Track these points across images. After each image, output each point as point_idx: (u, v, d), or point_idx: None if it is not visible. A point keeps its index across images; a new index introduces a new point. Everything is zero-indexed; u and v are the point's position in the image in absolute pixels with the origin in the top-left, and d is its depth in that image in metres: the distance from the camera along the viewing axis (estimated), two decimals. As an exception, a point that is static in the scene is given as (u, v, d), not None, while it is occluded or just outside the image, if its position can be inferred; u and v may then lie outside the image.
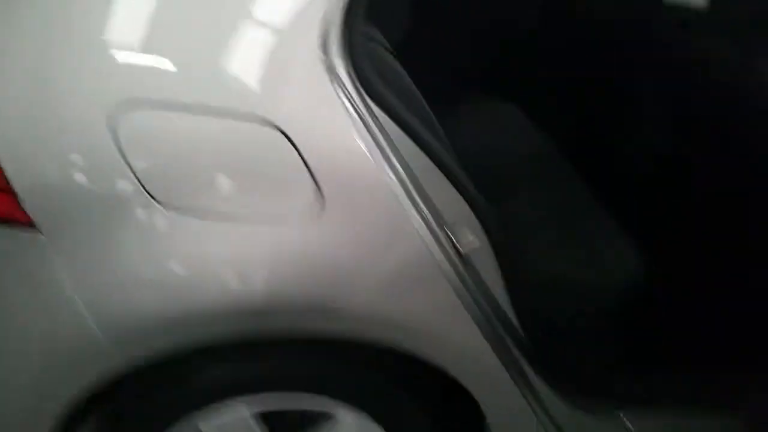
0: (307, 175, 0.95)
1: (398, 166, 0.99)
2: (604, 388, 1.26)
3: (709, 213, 1.40)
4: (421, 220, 1.00)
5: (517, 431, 1.21)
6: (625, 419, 1.24)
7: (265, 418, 1.16)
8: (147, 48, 0.95)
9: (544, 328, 1.16)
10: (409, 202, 0.99)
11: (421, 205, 1.00)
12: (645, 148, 1.64)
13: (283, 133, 0.94)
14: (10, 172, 0.91)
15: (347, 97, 0.97)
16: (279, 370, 1.12)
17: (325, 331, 1.06)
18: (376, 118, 0.99)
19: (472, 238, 1.04)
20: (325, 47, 0.97)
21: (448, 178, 1.04)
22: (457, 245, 1.03)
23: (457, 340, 1.08)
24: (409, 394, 1.18)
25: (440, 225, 1.02)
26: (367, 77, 1.00)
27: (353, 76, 0.98)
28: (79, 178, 0.93)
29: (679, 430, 1.26)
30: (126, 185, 0.93)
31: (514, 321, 1.12)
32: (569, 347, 1.28)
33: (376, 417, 1.18)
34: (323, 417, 1.20)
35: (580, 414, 1.21)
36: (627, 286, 1.31)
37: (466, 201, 1.05)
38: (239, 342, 1.03)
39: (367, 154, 0.97)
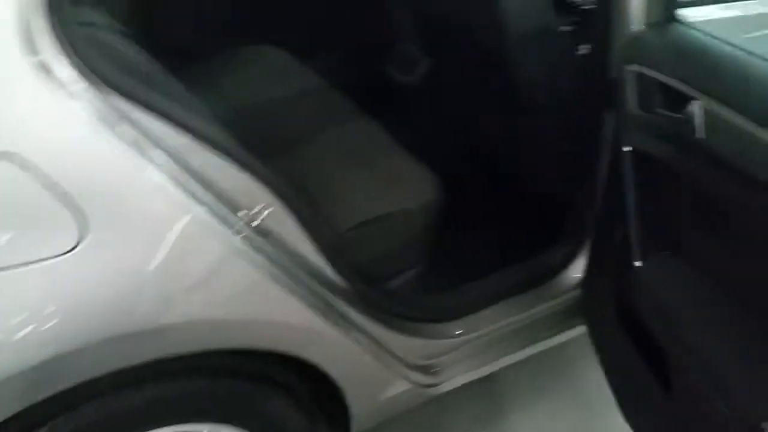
0: (60, 199, 0.83)
1: (161, 157, 0.89)
2: (429, 310, 1.31)
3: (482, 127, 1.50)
4: (202, 208, 0.92)
5: (363, 384, 1.23)
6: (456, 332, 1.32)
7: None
8: None
9: (361, 270, 1.17)
10: (182, 194, 0.91)
11: (198, 191, 0.92)
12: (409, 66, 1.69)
13: (19, 158, 0.81)
14: None
15: (77, 97, 0.85)
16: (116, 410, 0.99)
17: (160, 353, 0.96)
18: (120, 110, 0.88)
19: (261, 207, 0.99)
20: (31, 46, 0.83)
21: (219, 153, 0.96)
22: (249, 220, 0.98)
23: (278, 316, 1.04)
24: (262, 389, 1.12)
25: (225, 205, 0.95)
26: (97, 67, 0.88)
27: (79, 69, 0.85)
28: None
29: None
30: None
31: (331, 273, 1.11)
32: (388, 280, 1.30)
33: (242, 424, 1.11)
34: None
35: (415, 340, 1.26)
36: (428, 209, 1.35)
37: (247, 170, 0.98)
38: (67, 391, 0.91)
39: (121, 155, 0.87)
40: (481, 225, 1.59)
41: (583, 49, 1.29)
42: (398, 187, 1.39)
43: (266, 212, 0.99)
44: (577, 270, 1.40)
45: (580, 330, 1.44)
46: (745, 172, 0.84)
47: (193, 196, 0.92)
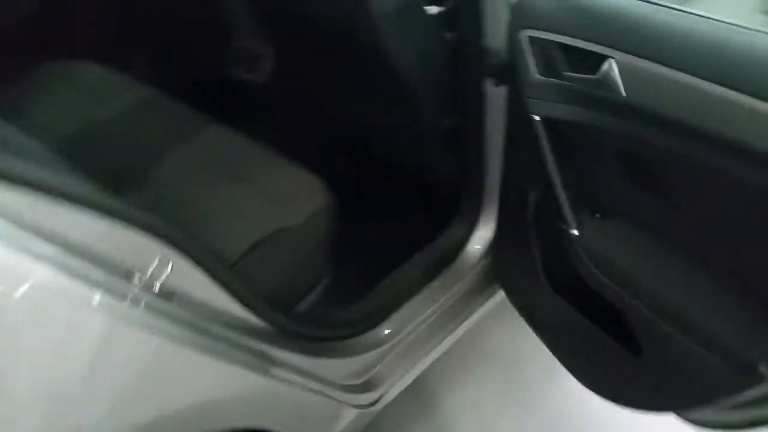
0: None
1: None
2: (350, 322, 1.21)
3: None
4: (67, 278, 0.70)
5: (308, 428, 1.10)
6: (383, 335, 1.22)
7: None
8: None
9: (268, 298, 1.02)
10: (34, 262, 0.67)
11: (59, 256, 0.69)
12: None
13: None
14: None
15: None
16: None
17: None
18: None
19: (158, 263, 0.79)
20: None
21: (72, 202, 0.72)
22: (147, 284, 0.77)
23: (211, 392, 0.87)
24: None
25: (104, 268, 0.74)
26: None
27: None
28: None
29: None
30: None
31: (244, 314, 0.94)
32: (299, 303, 1.17)
33: None
34: None
35: (346, 360, 1.15)
36: (321, 214, 1.21)
37: (118, 217, 0.76)
38: None
39: None
40: (376, 220, 1.49)
41: (436, 9, 1.22)
42: (283, 197, 1.23)
43: (168, 270, 0.79)
44: (478, 242, 1.37)
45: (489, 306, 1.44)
46: (671, 122, 0.83)
47: (52, 262, 0.69)
